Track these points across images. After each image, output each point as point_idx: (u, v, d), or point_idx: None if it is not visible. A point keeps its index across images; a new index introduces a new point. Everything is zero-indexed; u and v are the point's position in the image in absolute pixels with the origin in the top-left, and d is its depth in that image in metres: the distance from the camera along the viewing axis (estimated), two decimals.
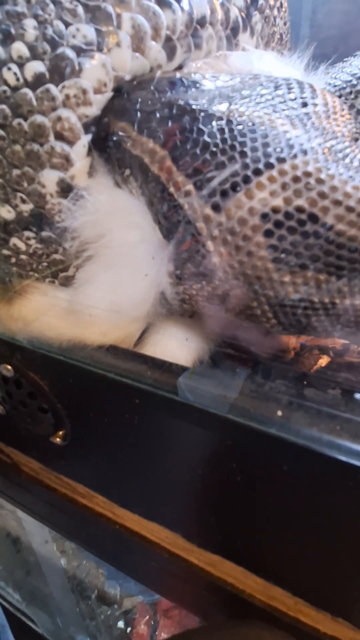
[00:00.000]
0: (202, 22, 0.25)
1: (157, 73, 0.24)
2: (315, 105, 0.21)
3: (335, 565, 0.20)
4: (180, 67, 0.25)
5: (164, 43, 0.24)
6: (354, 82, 0.32)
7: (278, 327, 0.22)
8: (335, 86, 0.33)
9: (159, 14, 0.23)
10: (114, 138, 0.23)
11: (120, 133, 0.23)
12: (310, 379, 0.23)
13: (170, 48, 0.24)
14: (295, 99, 0.21)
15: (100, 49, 0.21)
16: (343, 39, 0.49)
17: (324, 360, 0.27)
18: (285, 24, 0.37)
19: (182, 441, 0.23)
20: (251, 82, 0.22)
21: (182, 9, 0.24)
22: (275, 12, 0.34)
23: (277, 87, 0.22)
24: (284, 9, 0.36)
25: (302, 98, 0.21)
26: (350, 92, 0.33)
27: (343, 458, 0.16)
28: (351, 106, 0.32)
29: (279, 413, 0.18)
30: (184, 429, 0.22)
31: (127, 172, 0.23)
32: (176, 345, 0.25)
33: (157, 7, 0.23)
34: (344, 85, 0.33)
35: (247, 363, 0.24)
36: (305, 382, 0.23)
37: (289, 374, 0.24)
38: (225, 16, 0.27)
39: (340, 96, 0.32)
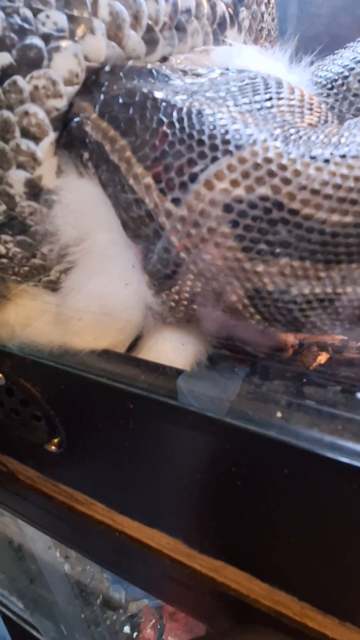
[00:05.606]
0: (187, 14, 0.24)
1: (129, 62, 0.23)
2: (280, 99, 0.21)
3: (341, 569, 0.20)
4: (163, 61, 0.25)
5: (144, 33, 0.23)
6: (345, 73, 0.32)
7: (263, 322, 0.22)
8: (326, 78, 0.32)
9: (139, 2, 0.22)
10: (76, 119, 0.21)
11: (81, 114, 0.21)
12: (309, 377, 0.23)
13: (151, 39, 0.23)
14: (259, 93, 0.21)
15: (72, 37, 0.20)
16: (331, 33, 0.49)
17: (323, 357, 0.27)
18: (273, 19, 0.37)
19: (179, 445, 0.22)
20: (220, 79, 0.22)
21: None
22: (263, 8, 0.34)
23: (242, 82, 0.21)
24: (271, 5, 0.36)
25: (267, 92, 0.21)
26: (342, 84, 0.32)
27: (346, 460, 0.15)
28: (344, 97, 0.32)
29: (279, 414, 0.18)
30: (181, 433, 0.21)
31: (86, 155, 0.22)
32: (172, 350, 0.24)
33: None
34: (335, 77, 0.32)
35: (245, 363, 0.24)
36: (304, 380, 0.22)
37: (287, 373, 0.23)
38: (211, 10, 0.26)
39: (331, 88, 0.32)
